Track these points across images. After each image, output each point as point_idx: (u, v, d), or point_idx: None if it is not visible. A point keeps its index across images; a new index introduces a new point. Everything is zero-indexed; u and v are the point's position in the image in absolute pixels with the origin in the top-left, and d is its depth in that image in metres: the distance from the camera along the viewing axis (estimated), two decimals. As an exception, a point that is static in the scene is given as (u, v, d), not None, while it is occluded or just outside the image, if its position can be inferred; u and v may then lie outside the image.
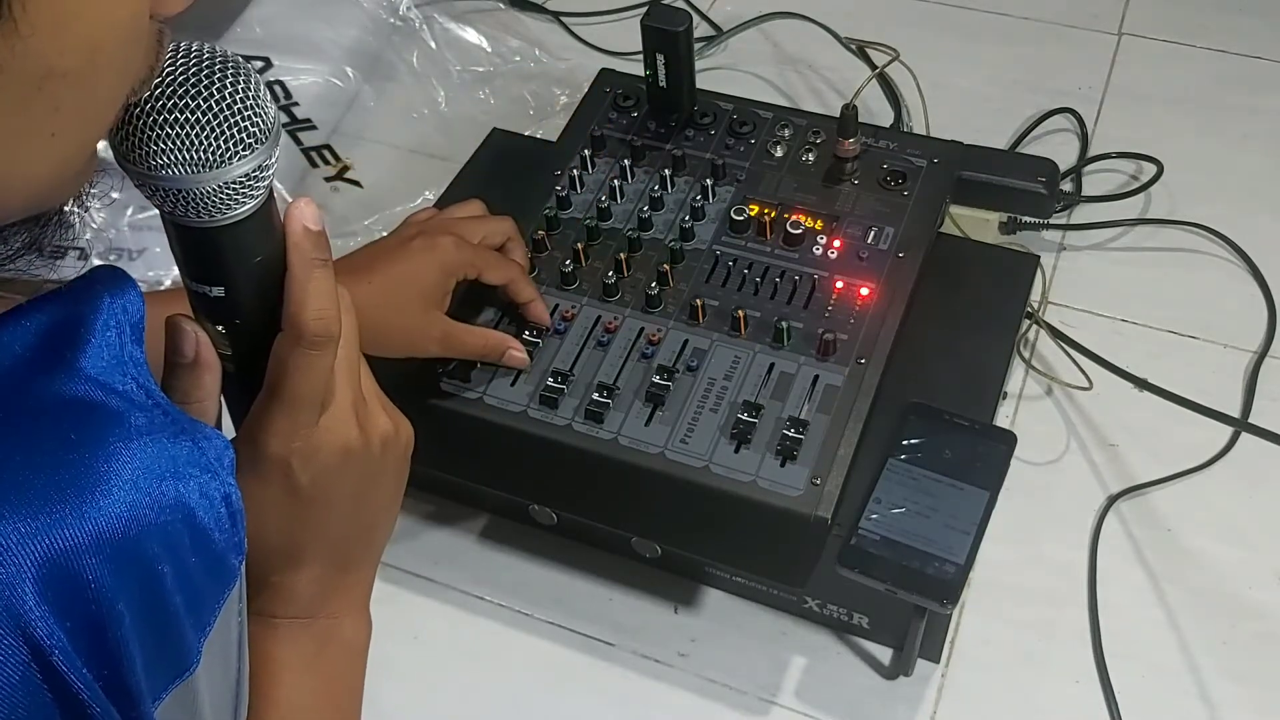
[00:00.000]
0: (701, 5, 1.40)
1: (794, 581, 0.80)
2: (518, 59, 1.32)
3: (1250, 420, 0.97)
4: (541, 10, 1.42)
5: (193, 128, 0.43)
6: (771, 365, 0.86)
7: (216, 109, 0.43)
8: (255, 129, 0.44)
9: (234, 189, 0.45)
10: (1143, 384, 0.94)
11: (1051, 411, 1.01)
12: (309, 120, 1.21)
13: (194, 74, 0.43)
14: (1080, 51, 1.32)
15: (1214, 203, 1.14)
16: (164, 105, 0.43)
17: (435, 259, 0.83)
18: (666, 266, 0.91)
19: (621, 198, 0.97)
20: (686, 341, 0.88)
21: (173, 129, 0.43)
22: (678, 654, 0.88)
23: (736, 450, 0.82)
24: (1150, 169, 1.16)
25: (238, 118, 0.44)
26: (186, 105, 0.43)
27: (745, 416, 0.83)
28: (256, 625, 0.53)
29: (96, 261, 1.06)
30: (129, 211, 1.12)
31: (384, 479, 0.57)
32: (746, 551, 0.81)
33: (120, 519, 0.38)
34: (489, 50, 1.33)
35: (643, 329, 0.89)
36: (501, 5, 1.41)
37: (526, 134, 1.18)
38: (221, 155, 0.44)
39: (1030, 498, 0.94)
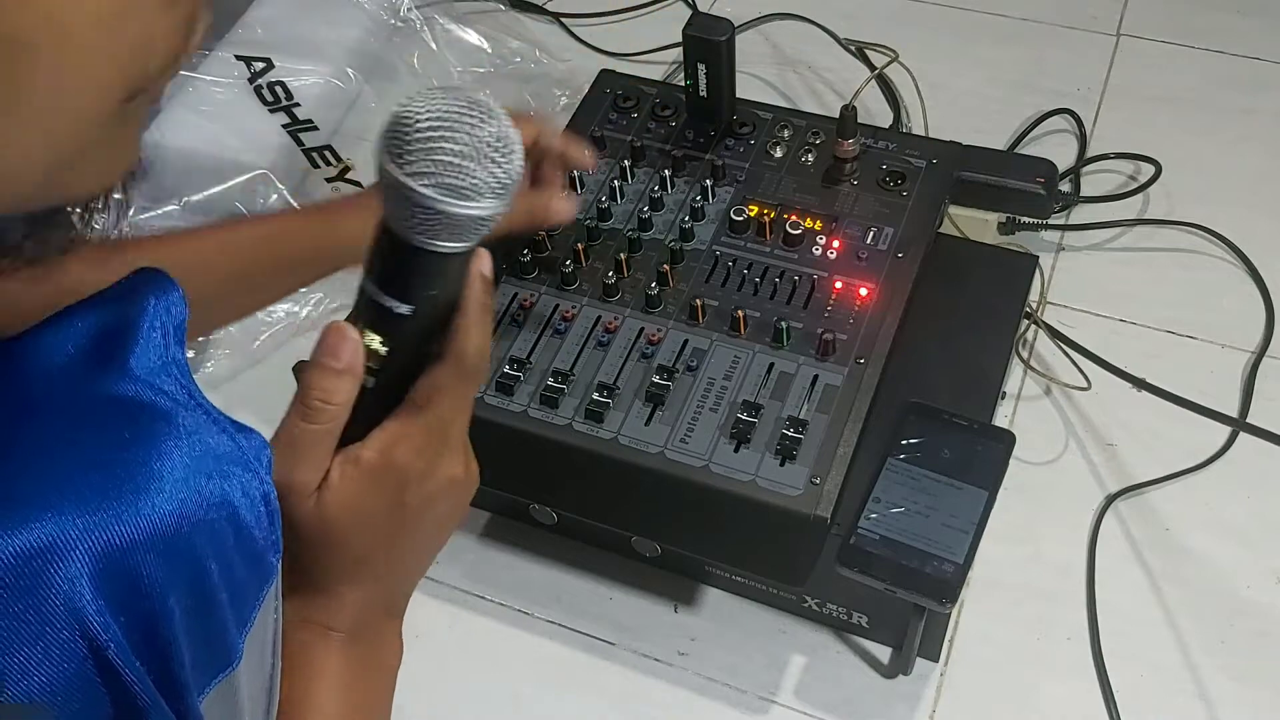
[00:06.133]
0: (701, 6, 1.40)
1: (793, 580, 0.80)
2: (518, 60, 1.33)
3: (1248, 420, 0.97)
4: (542, 11, 1.42)
5: (466, 160, 0.47)
6: (771, 365, 0.86)
7: (491, 153, 0.48)
8: (509, 180, 0.49)
9: (472, 223, 0.49)
10: (1141, 384, 0.94)
11: (1050, 411, 1.01)
12: (310, 121, 1.21)
13: (481, 121, 0.48)
14: (1078, 52, 1.33)
15: (1212, 203, 1.15)
16: (446, 134, 0.47)
17: None
18: (666, 267, 0.91)
19: (621, 198, 0.97)
20: (686, 341, 0.88)
21: (447, 156, 0.47)
22: (677, 653, 0.88)
23: (736, 450, 0.82)
24: (1148, 169, 1.16)
25: (500, 166, 0.48)
26: (470, 138, 0.47)
27: (745, 416, 0.83)
28: (310, 634, 0.54)
29: (98, 262, 1.06)
30: (131, 212, 1.12)
31: (457, 515, 0.59)
32: (746, 551, 0.81)
33: (172, 515, 0.39)
34: (489, 51, 1.33)
35: (643, 329, 0.89)
36: (502, 6, 1.42)
37: (527, 135, 1.18)
38: (477, 191, 0.48)
39: (1029, 497, 0.94)
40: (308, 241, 0.85)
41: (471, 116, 0.47)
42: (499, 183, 0.48)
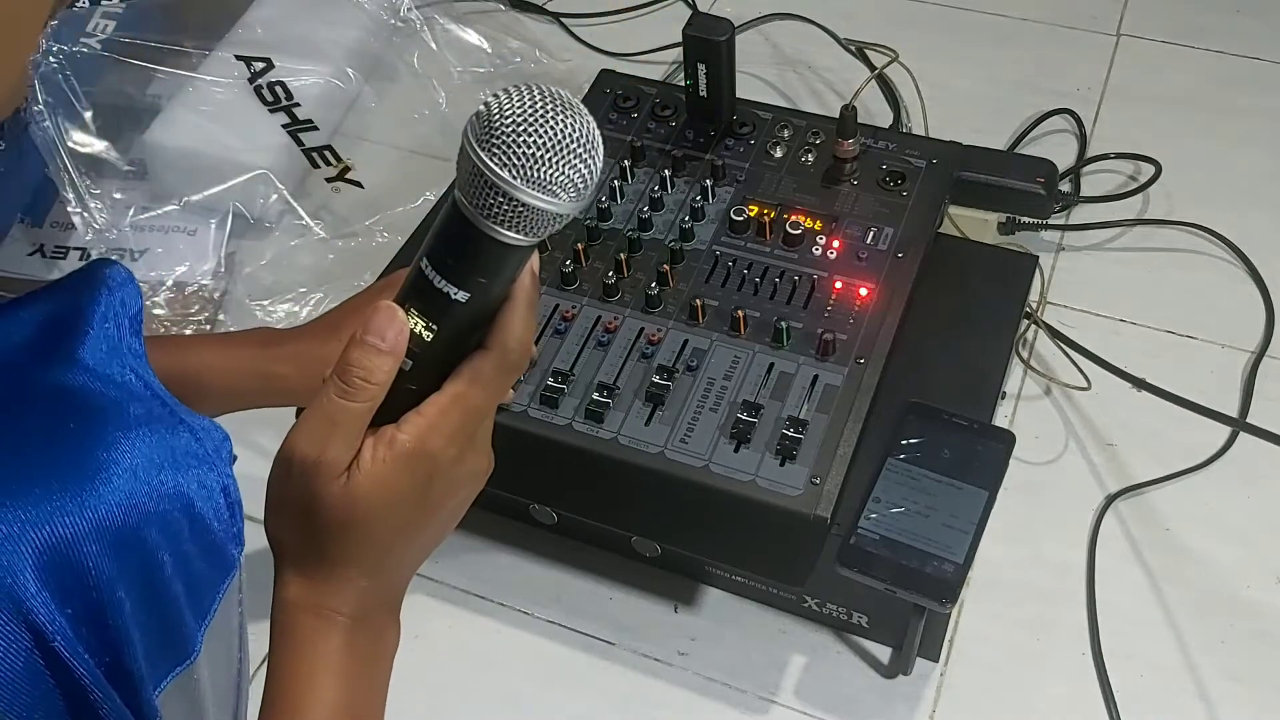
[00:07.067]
0: (701, 6, 1.40)
1: (793, 580, 0.80)
2: (518, 60, 1.33)
3: (1248, 420, 0.97)
4: (542, 11, 1.42)
5: (550, 152, 0.47)
6: (771, 365, 0.86)
7: (577, 148, 0.48)
8: (589, 179, 0.49)
9: (544, 218, 0.48)
10: (1141, 384, 0.94)
11: (1050, 411, 1.01)
12: (310, 121, 1.21)
13: (570, 119, 0.48)
14: (1079, 52, 1.33)
15: (1212, 203, 1.15)
16: (535, 125, 0.46)
17: None
18: (666, 267, 0.91)
19: (621, 198, 0.97)
20: (686, 341, 0.88)
21: (533, 148, 0.47)
22: (677, 653, 0.88)
23: (736, 450, 0.82)
24: (1148, 169, 1.16)
25: (585, 163, 0.48)
26: (557, 133, 0.47)
27: (745, 416, 0.83)
28: (316, 619, 0.53)
29: (98, 262, 1.06)
30: (131, 212, 1.12)
31: (467, 506, 0.58)
32: (746, 551, 0.81)
33: (120, 507, 0.39)
34: (489, 51, 1.33)
35: (643, 329, 0.89)
36: (502, 6, 1.42)
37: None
38: (559, 185, 0.47)
39: (1029, 497, 0.94)
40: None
41: (562, 113, 0.47)
42: (582, 179, 0.48)
